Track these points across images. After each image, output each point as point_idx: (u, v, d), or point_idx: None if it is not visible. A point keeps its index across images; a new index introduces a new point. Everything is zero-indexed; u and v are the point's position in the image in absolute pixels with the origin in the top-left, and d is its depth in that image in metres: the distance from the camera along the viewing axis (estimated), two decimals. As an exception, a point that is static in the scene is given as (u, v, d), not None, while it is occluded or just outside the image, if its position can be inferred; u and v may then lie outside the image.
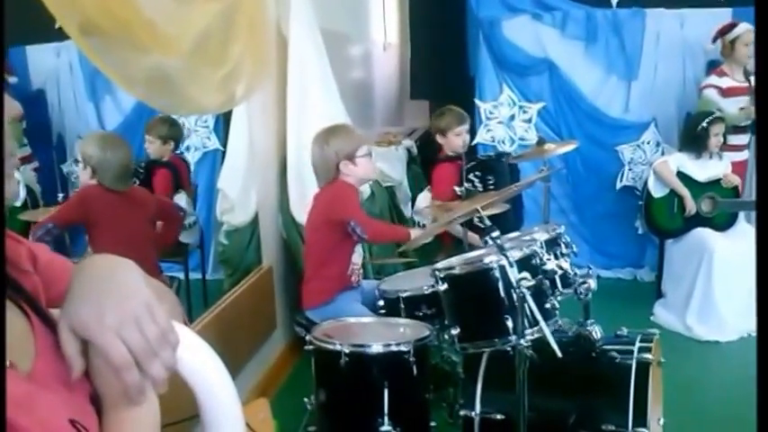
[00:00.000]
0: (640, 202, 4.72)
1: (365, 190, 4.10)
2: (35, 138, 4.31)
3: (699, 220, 4.41)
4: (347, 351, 2.28)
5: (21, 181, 3.89)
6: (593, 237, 5.28)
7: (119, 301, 0.82)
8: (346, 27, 5.39)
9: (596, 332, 2.54)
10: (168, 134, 3.81)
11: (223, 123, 4.05)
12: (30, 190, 3.96)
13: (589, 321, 2.56)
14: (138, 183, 3.62)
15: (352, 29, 5.64)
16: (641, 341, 2.49)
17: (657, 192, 4.50)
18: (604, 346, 2.51)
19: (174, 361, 0.86)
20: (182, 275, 3.64)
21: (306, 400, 2.43)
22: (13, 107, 0.82)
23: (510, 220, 3.78)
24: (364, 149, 3.05)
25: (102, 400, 0.84)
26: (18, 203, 3.87)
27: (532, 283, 2.19)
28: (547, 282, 2.43)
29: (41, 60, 4.43)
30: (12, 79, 4.24)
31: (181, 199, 3.58)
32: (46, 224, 2.71)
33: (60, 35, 2.35)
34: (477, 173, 3.96)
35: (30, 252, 0.93)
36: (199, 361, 0.93)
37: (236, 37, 2.92)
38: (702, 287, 4.20)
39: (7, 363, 0.76)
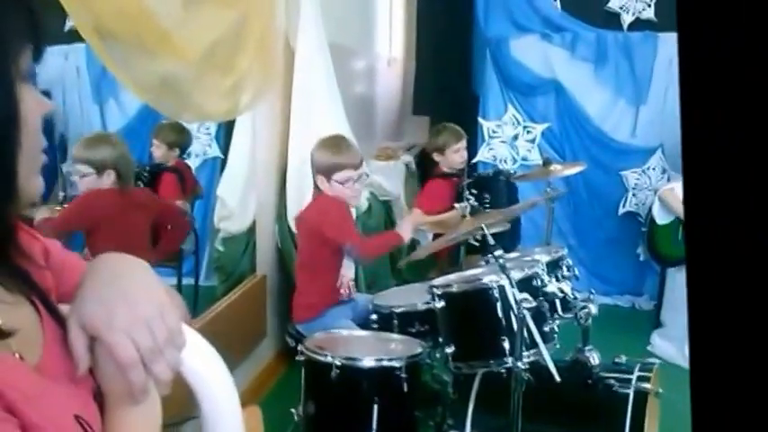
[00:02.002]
0: (643, 229, 4.73)
1: (362, 204, 4.10)
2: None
3: (702, 250, 4.40)
4: (338, 363, 2.27)
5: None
6: (592, 261, 5.26)
7: (130, 300, 0.83)
8: (351, 40, 5.41)
9: (594, 358, 2.54)
10: (175, 140, 3.83)
11: (225, 131, 4.08)
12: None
13: (587, 347, 2.56)
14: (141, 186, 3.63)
15: (357, 42, 5.66)
16: (640, 370, 2.48)
17: (662, 219, 4.50)
18: (602, 374, 2.51)
19: (179, 362, 0.87)
20: (174, 280, 3.64)
21: (293, 410, 2.42)
22: (46, 104, 0.84)
23: (506, 239, 3.78)
24: (343, 175, 2.91)
25: (105, 397, 0.85)
26: (35, 201, 3.88)
27: (533, 304, 2.18)
28: (546, 304, 2.44)
29: (49, 62, 4.44)
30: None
31: (181, 204, 3.59)
32: (45, 226, 2.67)
33: (69, 38, 2.37)
34: (473, 190, 3.96)
35: (43, 248, 0.95)
36: (203, 363, 0.94)
37: (245, 46, 2.95)
38: (703, 318, 4.18)
39: (16, 355, 0.77)
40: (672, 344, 4.30)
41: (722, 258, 0.59)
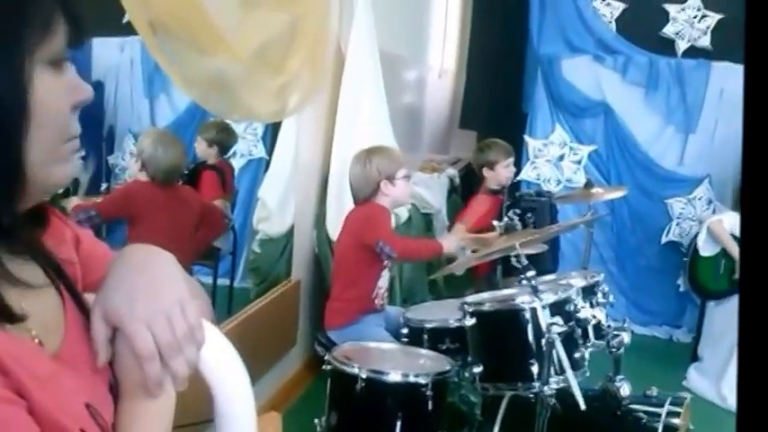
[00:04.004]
0: (685, 259, 4.63)
1: (402, 214, 4.09)
2: (86, 127, 4.39)
3: (744, 285, 4.27)
4: (364, 376, 2.24)
5: (78, 165, 3.98)
6: (632, 290, 5.17)
7: (153, 292, 0.83)
8: (404, 50, 5.41)
9: (624, 389, 2.49)
10: (216, 139, 3.86)
11: (271, 133, 4.09)
12: (75, 180, 4.04)
13: (618, 377, 2.52)
14: (182, 183, 3.66)
15: (409, 52, 5.66)
16: (671, 404, 2.43)
17: (706, 250, 4.40)
18: (631, 405, 2.46)
19: (198, 359, 0.87)
20: (210, 280, 3.67)
21: (316, 420, 2.38)
22: (80, 90, 0.84)
23: (546, 261, 3.72)
24: (403, 171, 3.07)
25: (120, 388, 0.85)
26: (59, 190, 3.95)
27: (564, 329, 2.15)
28: (579, 330, 2.40)
29: (105, 53, 4.54)
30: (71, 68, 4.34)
31: (220, 203, 3.61)
32: (89, 210, 2.74)
33: (126, 30, 2.40)
34: (516, 209, 3.91)
35: (74, 235, 0.96)
36: (221, 363, 0.95)
37: (296, 49, 2.97)
38: (741, 355, 4.05)
39: (36, 340, 0.78)
40: (708, 380, 4.19)
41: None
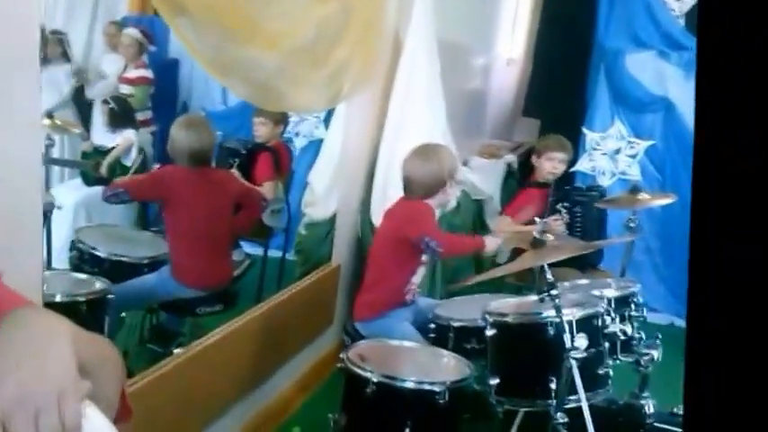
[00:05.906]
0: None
1: (450, 202, 3.79)
2: (160, 103, 4.27)
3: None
4: (375, 380, 1.98)
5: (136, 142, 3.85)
6: (674, 281, 4.69)
7: (27, 375, 0.62)
8: (473, 39, 5.08)
9: (649, 406, 2.22)
10: (280, 117, 3.66)
11: (333, 115, 3.85)
12: (143, 152, 3.91)
13: (644, 394, 2.23)
14: (237, 163, 3.47)
15: (477, 41, 5.32)
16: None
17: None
18: (655, 424, 2.19)
19: None
20: (261, 252, 3.52)
21: (330, 416, 2.12)
22: None
23: (590, 253, 3.36)
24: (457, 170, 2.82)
25: None
26: (129, 163, 3.83)
27: (583, 355, 1.82)
28: (606, 344, 2.11)
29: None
30: (151, 48, 4.20)
31: (270, 185, 3.40)
32: (117, 188, 2.58)
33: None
34: (565, 204, 3.55)
35: None
36: None
37: (344, 39, 2.69)
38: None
39: None
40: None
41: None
